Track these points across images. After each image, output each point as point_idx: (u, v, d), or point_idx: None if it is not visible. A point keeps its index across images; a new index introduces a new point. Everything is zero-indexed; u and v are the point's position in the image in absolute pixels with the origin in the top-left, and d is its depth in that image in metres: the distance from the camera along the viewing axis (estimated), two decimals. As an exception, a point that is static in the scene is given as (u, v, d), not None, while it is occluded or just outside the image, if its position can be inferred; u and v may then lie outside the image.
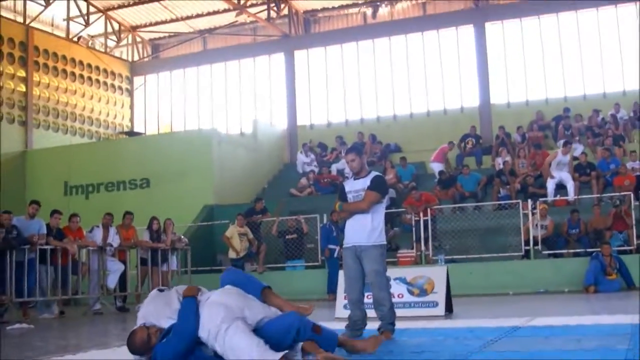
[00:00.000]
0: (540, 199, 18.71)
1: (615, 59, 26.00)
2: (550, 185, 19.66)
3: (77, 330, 11.35)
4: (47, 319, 14.19)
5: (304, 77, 29.72)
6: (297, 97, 29.42)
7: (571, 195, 19.53)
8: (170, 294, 6.31)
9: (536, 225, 17.91)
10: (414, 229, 18.69)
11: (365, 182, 8.19)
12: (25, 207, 15.73)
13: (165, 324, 6.01)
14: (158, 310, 6.14)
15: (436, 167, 22.65)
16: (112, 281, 16.21)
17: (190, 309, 5.81)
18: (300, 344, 5.84)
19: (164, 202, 21.98)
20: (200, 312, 5.80)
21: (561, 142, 22.43)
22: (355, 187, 8.28)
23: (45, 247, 14.49)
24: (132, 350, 6.03)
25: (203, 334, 5.69)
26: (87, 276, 16.06)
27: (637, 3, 25.41)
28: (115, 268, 16.22)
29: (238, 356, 5.46)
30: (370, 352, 6.24)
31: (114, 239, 16.18)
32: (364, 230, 8.11)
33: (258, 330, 5.77)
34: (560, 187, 20.03)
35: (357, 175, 8.34)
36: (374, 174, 8.30)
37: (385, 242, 8.26)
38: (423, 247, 18.32)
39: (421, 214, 18.49)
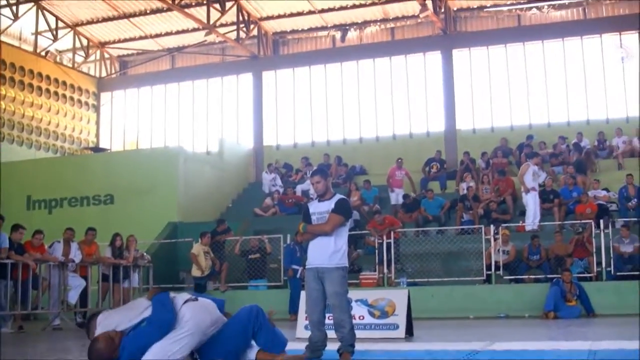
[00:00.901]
0: (503, 224, 18.88)
1: (579, 89, 26.35)
2: (531, 198, 19.71)
3: (36, 346, 11.25)
4: (5, 334, 14.04)
5: (271, 97, 29.78)
6: (264, 118, 29.47)
7: (533, 213, 19.67)
8: (130, 303, 6.39)
9: (498, 250, 18.06)
10: (377, 251, 18.75)
11: (329, 204, 8.23)
12: (-13, 220, 15.59)
13: (129, 324, 6.04)
14: (121, 317, 6.16)
15: (399, 194, 22.76)
16: (73, 297, 16.11)
17: (166, 301, 5.90)
18: (254, 354, 5.94)
19: (128, 219, 21.88)
20: (182, 307, 5.93)
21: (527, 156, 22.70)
22: (320, 209, 8.32)
23: (6, 261, 14.37)
24: (97, 356, 5.99)
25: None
26: (47, 291, 15.94)
27: (602, 35, 25.84)
28: (76, 284, 16.14)
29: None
30: None
31: (76, 255, 16.09)
32: (327, 252, 8.14)
33: (218, 333, 5.94)
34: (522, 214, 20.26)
35: (321, 197, 8.39)
36: (338, 196, 8.35)
37: (347, 265, 8.29)
38: (385, 270, 18.38)
39: (384, 237, 18.58)
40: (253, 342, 6.34)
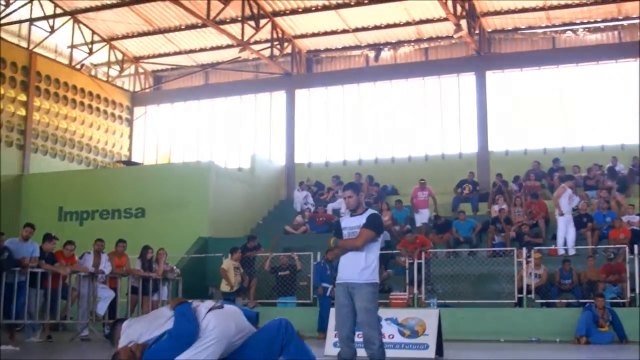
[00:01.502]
0: (535, 248, 18.69)
1: (614, 113, 26.10)
2: (562, 222, 19.52)
3: (63, 355, 11.25)
4: (33, 343, 14.07)
5: (304, 115, 29.81)
6: (297, 135, 29.48)
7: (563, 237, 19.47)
8: (154, 312, 6.32)
9: (530, 273, 17.87)
10: (407, 271, 18.63)
11: (361, 219, 8.16)
12: (19, 230, 15.61)
13: (151, 335, 5.98)
14: (144, 327, 6.10)
15: (425, 214, 22.71)
16: (102, 308, 16.12)
17: (187, 312, 5.83)
18: None
19: (159, 232, 21.91)
20: (206, 316, 5.87)
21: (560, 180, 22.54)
22: (351, 224, 8.25)
23: (37, 270, 14.41)
24: None
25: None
26: (76, 302, 15.96)
27: (638, 59, 25.56)
28: (105, 295, 16.16)
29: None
30: None
31: (106, 266, 16.12)
32: (357, 267, 8.06)
33: (244, 345, 5.85)
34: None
35: (353, 212, 8.32)
36: (370, 211, 8.28)
37: (377, 281, 8.21)
38: (416, 290, 18.25)
39: (415, 257, 18.46)
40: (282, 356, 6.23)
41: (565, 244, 19.43)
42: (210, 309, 6.03)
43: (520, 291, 17.78)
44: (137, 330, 6.14)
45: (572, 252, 19.27)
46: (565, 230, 19.41)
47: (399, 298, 18.02)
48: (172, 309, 6.08)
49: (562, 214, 19.42)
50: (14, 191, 25.55)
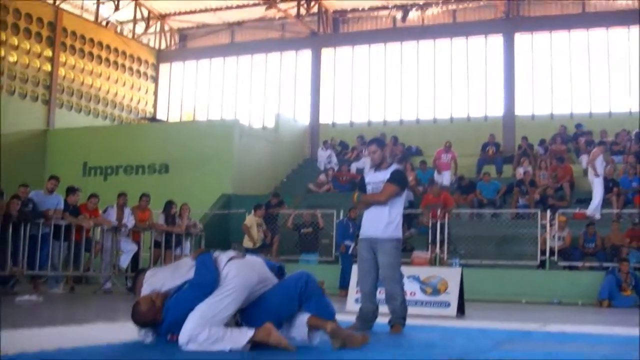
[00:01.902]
0: (559, 211, 18.57)
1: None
2: (599, 183, 19.27)
3: (86, 306, 11.34)
4: (56, 294, 14.17)
5: (329, 75, 29.64)
6: (322, 95, 29.35)
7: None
8: (176, 262, 6.31)
9: (553, 236, 17.77)
10: (430, 231, 18.56)
11: (385, 174, 8.11)
12: (43, 184, 15.67)
13: (173, 284, 5.97)
14: (166, 276, 6.09)
15: (446, 177, 22.53)
16: (125, 261, 16.21)
17: (208, 261, 5.81)
18: (306, 318, 5.80)
19: (182, 189, 21.91)
20: (227, 265, 5.82)
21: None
22: (375, 179, 8.21)
23: (60, 222, 14.48)
24: (138, 320, 5.93)
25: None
26: (99, 255, 16.03)
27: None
28: (128, 248, 16.23)
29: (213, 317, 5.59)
30: (354, 345, 5.97)
31: (129, 220, 16.16)
32: (380, 222, 8.03)
33: (262, 296, 5.81)
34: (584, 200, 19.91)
35: (377, 167, 8.26)
36: (394, 166, 8.23)
37: (400, 237, 8.17)
38: (438, 250, 18.20)
39: (438, 216, 18.38)
40: (302, 310, 6.12)
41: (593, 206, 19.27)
42: (231, 258, 5.96)
43: (543, 253, 17.72)
44: (159, 279, 6.13)
45: (597, 216, 19.11)
46: (601, 191, 19.21)
47: (421, 257, 17.97)
48: (194, 259, 6.05)
49: (598, 175, 19.24)
50: (39, 146, 25.67)
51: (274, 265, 6.38)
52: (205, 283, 5.71)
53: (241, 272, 5.77)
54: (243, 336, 5.52)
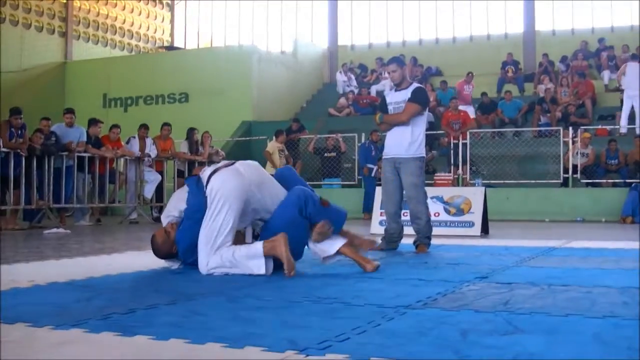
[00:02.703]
0: (582, 127, 18.46)
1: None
2: (626, 97, 19.12)
3: (113, 236, 11.43)
4: (83, 226, 14.31)
5: (347, -4, 29.35)
6: (339, 17, 29.07)
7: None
8: (179, 191, 6.23)
9: (577, 153, 17.69)
10: (451, 152, 18.53)
11: (406, 93, 8.04)
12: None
13: (178, 211, 5.96)
14: (174, 206, 6.06)
15: (470, 110, 21.45)
16: (149, 191, 16.31)
17: (192, 186, 5.69)
18: (338, 246, 5.71)
19: (202, 117, 21.95)
20: (209, 181, 5.64)
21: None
22: (396, 99, 8.14)
23: (84, 154, 14.55)
24: (157, 252, 5.98)
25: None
26: (124, 186, 16.14)
27: None
28: (152, 178, 16.31)
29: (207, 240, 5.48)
30: (365, 248, 6.00)
31: (151, 150, 16.21)
32: (404, 142, 8.00)
33: (268, 226, 5.69)
34: (606, 117, 19.77)
35: (398, 86, 8.19)
36: (415, 85, 8.14)
37: (424, 155, 8.15)
38: (460, 171, 18.19)
39: (460, 137, 18.32)
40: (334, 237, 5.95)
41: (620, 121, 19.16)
42: (214, 171, 5.65)
43: (566, 171, 17.68)
44: (170, 209, 6.10)
45: (622, 130, 19.01)
46: (628, 106, 19.07)
47: (443, 178, 17.94)
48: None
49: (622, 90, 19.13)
50: (57, 79, 25.68)
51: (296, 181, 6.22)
52: (193, 209, 5.61)
53: (225, 181, 5.49)
54: (259, 259, 5.36)
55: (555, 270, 5.93)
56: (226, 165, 5.75)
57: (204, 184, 5.61)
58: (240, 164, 5.78)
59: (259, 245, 5.40)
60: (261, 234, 5.76)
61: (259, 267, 5.35)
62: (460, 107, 19.97)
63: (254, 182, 5.62)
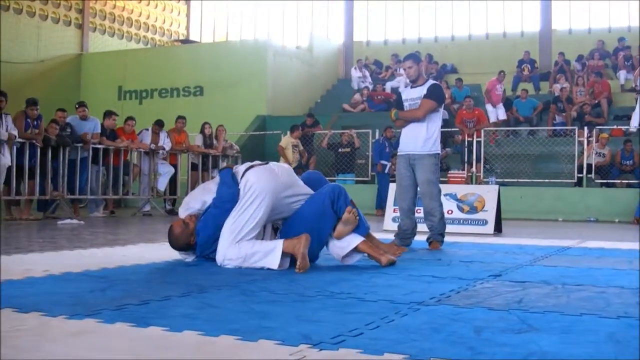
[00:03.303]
0: (597, 127, 18.41)
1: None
2: None
3: (126, 228, 11.47)
4: (97, 217, 14.36)
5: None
6: (355, 13, 29.05)
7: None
8: (207, 182, 6.27)
9: (593, 153, 17.64)
10: (466, 150, 18.50)
11: (422, 90, 8.03)
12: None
13: (202, 204, 5.97)
14: (196, 197, 6.07)
15: (502, 110, 20.90)
16: (163, 184, 16.33)
17: (226, 177, 5.70)
18: (357, 242, 5.72)
19: (217, 111, 21.99)
20: (244, 175, 5.68)
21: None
22: (412, 96, 8.14)
23: (98, 146, 14.60)
24: (174, 243, 5.98)
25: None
26: (138, 178, 16.18)
27: None
28: (165, 171, 16.34)
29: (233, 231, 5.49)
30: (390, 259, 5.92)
31: (165, 143, 16.23)
32: (419, 138, 8.00)
33: (296, 213, 5.71)
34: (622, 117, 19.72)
35: (414, 83, 8.19)
36: (430, 82, 8.14)
37: (439, 152, 8.15)
38: (474, 168, 18.16)
39: (474, 135, 18.28)
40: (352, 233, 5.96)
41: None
42: (250, 167, 5.77)
43: (580, 171, 17.64)
44: (191, 201, 6.12)
45: (632, 128, 18.93)
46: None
47: (457, 176, 17.93)
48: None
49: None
50: (73, 70, 25.75)
51: (318, 177, 6.27)
52: (225, 199, 5.62)
53: (260, 178, 5.57)
54: (275, 253, 5.37)
55: (569, 270, 5.92)
56: (261, 164, 5.86)
57: (239, 177, 5.66)
58: (275, 165, 5.90)
59: (279, 242, 5.43)
60: (287, 222, 5.79)
61: (274, 261, 5.36)
62: (489, 108, 19.85)
63: (286, 183, 5.70)
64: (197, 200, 6.02)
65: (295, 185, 5.80)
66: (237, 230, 5.46)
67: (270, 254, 5.38)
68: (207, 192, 5.98)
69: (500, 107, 20.58)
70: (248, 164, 5.87)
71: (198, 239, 5.79)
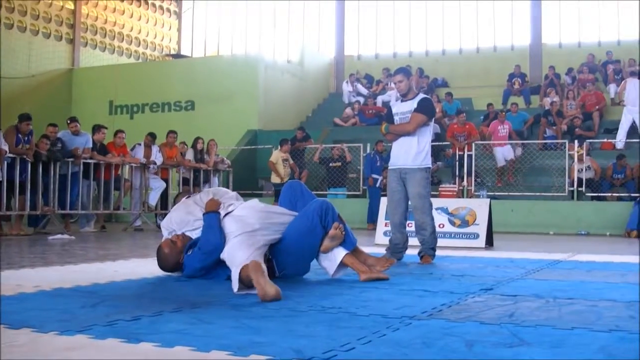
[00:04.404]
0: (587, 141, 18.46)
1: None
2: (626, 112, 19.11)
3: (118, 243, 11.45)
4: (88, 232, 14.33)
5: (354, 6, 29.35)
6: (346, 27, 29.13)
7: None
8: (192, 204, 6.20)
9: (583, 168, 17.68)
10: (457, 163, 18.53)
11: (412, 104, 8.05)
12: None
13: (190, 234, 5.99)
14: (181, 218, 6.09)
15: (509, 151, 19.48)
16: (154, 198, 16.32)
17: (213, 224, 5.65)
18: (341, 255, 5.74)
19: (208, 125, 21.99)
20: (224, 221, 5.67)
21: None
22: (402, 109, 8.16)
23: (89, 161, 14.57)
24: (164, 263, 6.01)
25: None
26: (129, 193, 16.16)
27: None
28: (157, 185, 16.33)
29: (230, 265, 5.30)
30: (379, 270, 5.97)
31: (157, 157, 16.22)
32: (410, 152, 8.01)
33: (284, 235, 5.66)
34: (612, 130, 19.80)
35: (404, 97, 8.21)
36: (421, 96, 8.16)
37: (430, 166, 8.16)
38: (465, 182, 18.19)
39: (465, 149, 18.31)
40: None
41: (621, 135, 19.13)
42: (226, 214, 5.72)
43: (571, 184, 17.68)
44: (173, 220, 6.15)
45: (619, 145, 19.02)
46: (626, 121, 19.07)
47: (448, 190, 17.94)
48: (203, 211, 5.91)
49: (624, 105, 19.13)
50: (64, 85, 25.75)
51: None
52: (212, 249, 5.58)
53: (238, 221, 5.54)
54: (234, 278, 5.08)
55: (560, 283, 5.93)
56: (236, 206, 5.83)
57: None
58: (248, 204, 5.87)
59: (235, 275, 5.06)
60: (280, 241, 5.71)
61: (234, 285, 5.05)
62: (497, 149, 19.25)
63: (263, 226, 5.58)
64: (180, 221, 6.06)
65: (270, 220, 5.70)
66: (245, 256, 5.18)
67: (233, 277, 5.12)
68: (188, 223, 6.02)
69: (508, 150, 19.43)
70: (227, 208, 5.84)
71: (185, 271, 5.81)
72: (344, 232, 5.74)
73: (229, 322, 3.74)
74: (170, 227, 6.16)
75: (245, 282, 4.96)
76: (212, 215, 5.71)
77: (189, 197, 6.39)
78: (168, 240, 5.97)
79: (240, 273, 4.97)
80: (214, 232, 5.57)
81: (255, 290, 4.78)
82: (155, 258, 6.14)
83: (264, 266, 4.93)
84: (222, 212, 5.74)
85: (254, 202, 6.07)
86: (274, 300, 4.55)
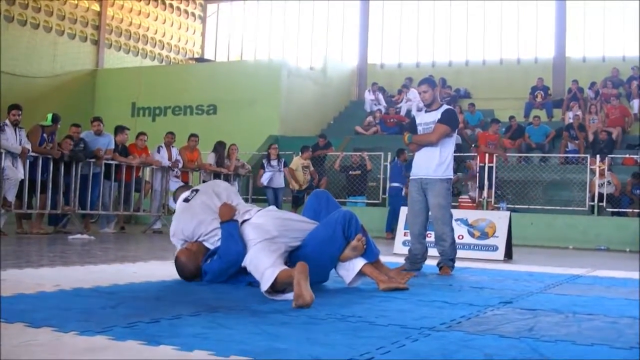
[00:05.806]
0: (609, 156, 18.37)
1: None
2: None
3: (137, 245, 11.50)
4: (107, 233, 14.39)
5: (378, 15, 29.33)
6: (370, 35, 29.13)
7: None
8: (197, 208, 6.10)
9: (604, 183, 17.59)
10: (477, 175, 18.48)
11: (436, 115, 8.04)
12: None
13: (205, 241, 5.96)
14: (190, 229, 6.02)
15: None
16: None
17: (233, 233, 5.62)
18: (360, 265, 5.74)
19: (230, 129, 22.03)
20: (243, 228, 5.67)
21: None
22: (426, 120, 8.15)
23: (111, 162, 14.63)
24: (184, 271, 5.98)
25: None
26: (149, 195, 16.21)
27: None
28: (177, 188, 16.34)
29: (254, 271, 5.31)
30: (400, 282, 5.99)
31: (177, 160, 16.24)
32: (431, 163, 8.00)
33: (305, 242, 5.67)
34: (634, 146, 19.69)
35: (428, 107, 8.21)
36: (445, 107, 8.16)
37: (451, 177, 8.15)
38: (485, 194, 18.13)
39: (486, 160, 18.24)
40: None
41: None
42: (244, 221, 5.73)
43: (592, 199, 17.60)
44: (183, 232, 6.07)
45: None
46: None
47: (468, 201, 17.95)
48: (220, 221, 5.86)
49: None
50: (88, 86, 25.91)
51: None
52: (233, 258, 5.57)
53: (257, 227, 5.58)
54: (268, 278, 5.09)
55: (580, 299, 5.90)
56: (253, 214, 5.82)
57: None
58: (268, 216, 5.82)
59: (273, 275, 5.07)
60: (300, 248, 5.72)
61: (264, 285, 5.09)
62: None
63: (281, 234, 5.61)
64: (192, 232, 6.03)
65: (288, 226, 5.70)
66: (269, 262, 5.24)
67: (263, 278, 5.14)
68: (199, 222, 5.99)
69: None
70: (243, 215, 5.84)
71: (206, 277, 5.79)
72: (365, 245, 5.73)
73: (249, 327, 3.74)
74: (181, 238, 6.13)
75: (278, 285, 5.00)
76: (231, 224, 5.69)
77: (187, 199, 6.31)
78: (183, 249, 5.97)
79: (278, 275, 5.00)
80: (235, 241, 5.56)
81: (280, 296, 4.82)
82: (174, 262, 6.13)
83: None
84: (239, 219, 5.74)
85: (271, 209, 6.10)
86: (304, 306, 4.56)
